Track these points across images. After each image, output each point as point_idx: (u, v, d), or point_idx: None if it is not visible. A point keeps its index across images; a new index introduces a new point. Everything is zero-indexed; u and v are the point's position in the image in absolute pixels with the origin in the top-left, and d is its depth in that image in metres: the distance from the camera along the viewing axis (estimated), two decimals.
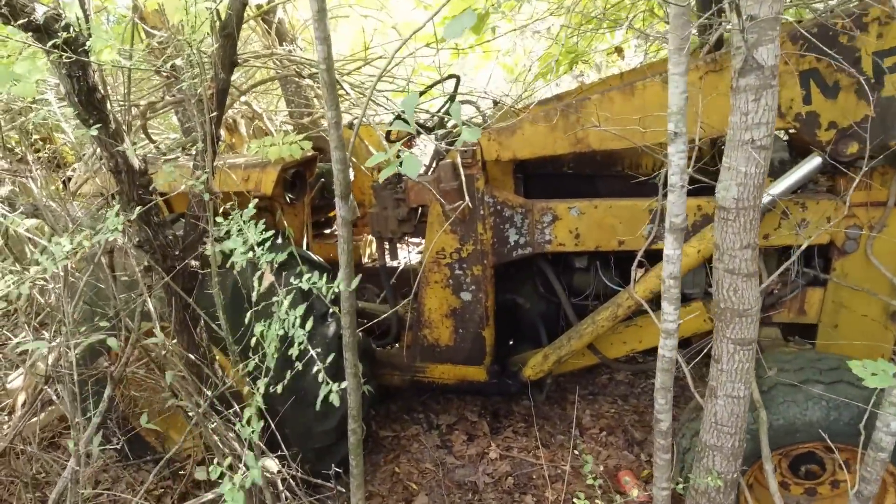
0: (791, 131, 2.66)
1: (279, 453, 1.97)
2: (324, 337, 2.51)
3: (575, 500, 1.84)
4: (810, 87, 2.13)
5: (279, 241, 2.67)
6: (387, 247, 2.95)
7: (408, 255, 3.99)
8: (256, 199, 1.91)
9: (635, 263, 2.18)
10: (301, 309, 1.76)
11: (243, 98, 3.23)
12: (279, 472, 1.99)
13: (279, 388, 2.02)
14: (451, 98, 3.09)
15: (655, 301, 2.86)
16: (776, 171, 2.44)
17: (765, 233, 2.50)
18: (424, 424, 3.30)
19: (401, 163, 1.14)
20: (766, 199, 2.32)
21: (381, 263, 2.99)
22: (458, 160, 2.50)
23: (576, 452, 2.95)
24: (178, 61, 2.32)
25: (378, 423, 3.35)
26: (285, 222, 2.51)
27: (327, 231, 3.80)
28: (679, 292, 1.61)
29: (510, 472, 2.88)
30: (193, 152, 2.42)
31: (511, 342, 3.45)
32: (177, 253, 2.16)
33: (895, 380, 1.16)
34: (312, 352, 1.64)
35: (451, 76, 3.06)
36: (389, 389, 3.53)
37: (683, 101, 1.33)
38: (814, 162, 2.24)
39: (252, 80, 3.29)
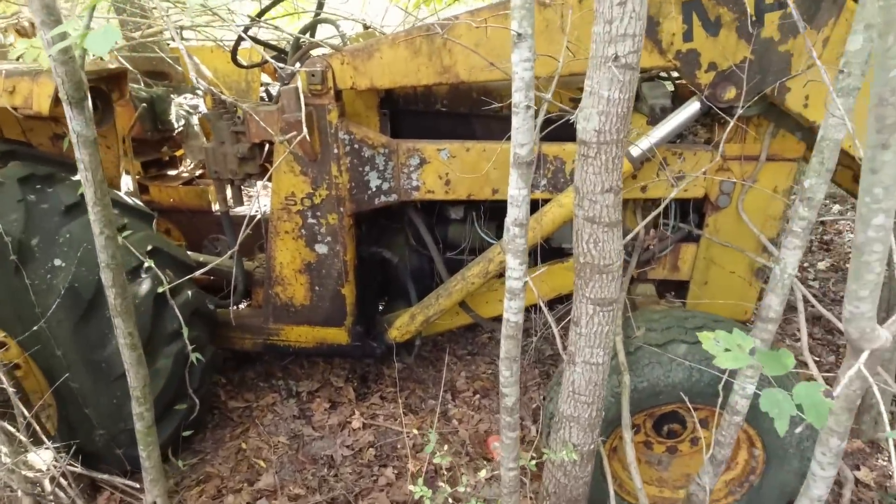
0: (674, 73, 2.49)
1: (52, 444, 1.54)
2: (133, 296, 2.04)
3: (412, 487, 1.59)
4: (692, 21, 1.92)
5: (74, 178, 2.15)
6: (228, 190, 2.49)
7: (257, 200, 3.53)
8: None
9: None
10: None
11: None
12: (50, 467, 1.56)
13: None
14: (316, 16, 2.64)
15: (533, 256, 2.68)
16: (658, 118, 2.27)
17: (643, 184, 2.35)
18: (283, 392, 2.95)
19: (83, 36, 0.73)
20: (644, 145, 2.14)
21: (222, 210, 2.52)
22: (304, 86, 2.07)
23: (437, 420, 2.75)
24: None
25: (229, 392, 2.94)
26: None
27: (172, 172, 3.22)
28: (525, 243, 1.36)
29: (372, 443, 2.62)
30: None
31: (386, 300, 3.16)
32: None
33: (751, 358, 0.96)
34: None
35: None
36: (249, 355, 3.13)
37: None
38: (693, 107, 2.07)
39: None
